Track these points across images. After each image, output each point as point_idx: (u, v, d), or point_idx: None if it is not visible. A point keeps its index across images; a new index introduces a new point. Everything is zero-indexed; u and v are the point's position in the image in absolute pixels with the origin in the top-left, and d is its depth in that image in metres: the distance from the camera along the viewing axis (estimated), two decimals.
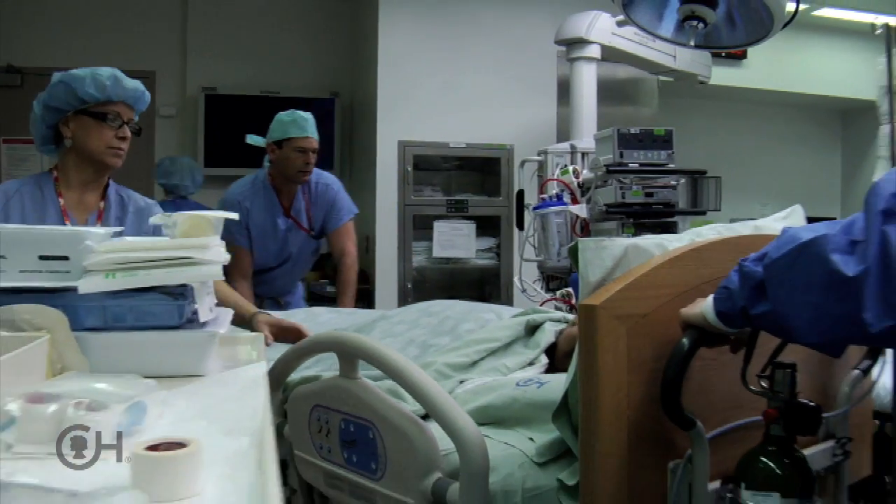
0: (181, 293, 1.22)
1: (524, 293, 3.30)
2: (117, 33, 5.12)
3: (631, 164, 3.02)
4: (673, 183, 3.08)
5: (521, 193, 3.65)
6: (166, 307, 1.19)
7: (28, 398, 0.86)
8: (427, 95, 4.98)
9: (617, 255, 1.46)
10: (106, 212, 2.24)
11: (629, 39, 3.87)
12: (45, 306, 1.10)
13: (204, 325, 1.26)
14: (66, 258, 1.19)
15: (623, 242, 1.49)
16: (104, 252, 1.18)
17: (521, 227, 3.55)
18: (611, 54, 3.95)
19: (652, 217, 3.05)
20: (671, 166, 3.09)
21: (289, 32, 5.60)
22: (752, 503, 1.30)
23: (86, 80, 2.07)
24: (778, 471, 1.31)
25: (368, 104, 5.16)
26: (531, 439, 1.66)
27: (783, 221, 1.79)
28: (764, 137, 7.02)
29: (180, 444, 0.75)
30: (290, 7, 5.63)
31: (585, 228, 3.11)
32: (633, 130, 3.05)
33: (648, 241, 1.53)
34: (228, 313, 1.41)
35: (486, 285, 5.25)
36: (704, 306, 1.30)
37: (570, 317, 2.37)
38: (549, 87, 5.15)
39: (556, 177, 3.30)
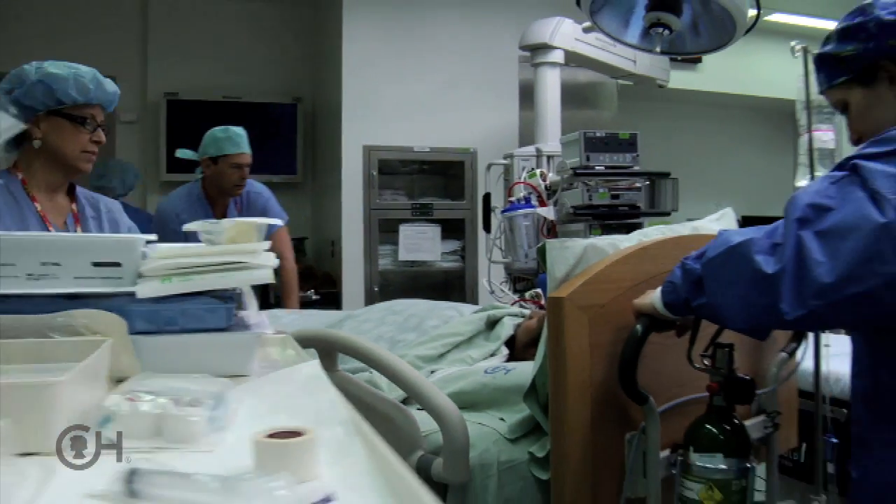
0: (230, 296, 1.27)
1: (492, 294, 3.33)
2: (77, 37, 4.97)
3: (597, 167, 3.07)
4: (638, 185, 3.13)
5: (487, 196, 3.66)
6: (216, 310, 1.23)
7: (125, 395, 0.90)
8: (391, 100, 4.97)
9: (578, 254, 1.65)
10: (81, 214, 2.14)
11: (592, 45, 3.93)
12: (103, 311, 1.12)
13: (248, 326, 1.31)
14: (118, 264, 1.23)
15: (582, 243, 1.67)
16: (159, 258, 1.22)
17: (487, 229, 3.57)
18: (573, 59, 4.01)
19: (618, 218, 3.11)
20: (636, 169, 3.15)
21: (251, 38, 5.56)
22: (700, 463, 1.50)
23: (68, 81, 1.95)
24: (721, 435, 1.51)
25: (332, 109, 5.13)
26: (502, 419, 1.83)
27: (717, 223, 2.00)
28: (719, 139, 7.16)
29: (294, 433, 0.79)
30: (251, 12, 5.58)
31: (552, 230, 3.14)
32: (598, 134, 3.09)
33: (604, 241, 1.71)
34: (263, 316, 1.44)
35: (451, 287, 5.26)
36: (654, 297, 1.48)
37: (527, 311, 2.53)
38: (512, 92, 5.18)
39: (523, 180, 3.33)
